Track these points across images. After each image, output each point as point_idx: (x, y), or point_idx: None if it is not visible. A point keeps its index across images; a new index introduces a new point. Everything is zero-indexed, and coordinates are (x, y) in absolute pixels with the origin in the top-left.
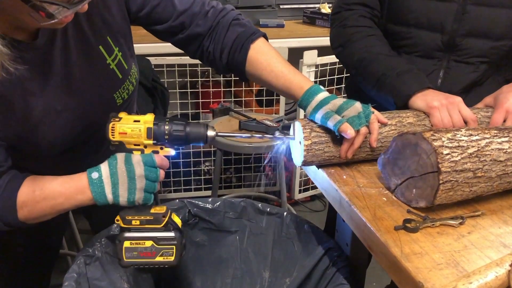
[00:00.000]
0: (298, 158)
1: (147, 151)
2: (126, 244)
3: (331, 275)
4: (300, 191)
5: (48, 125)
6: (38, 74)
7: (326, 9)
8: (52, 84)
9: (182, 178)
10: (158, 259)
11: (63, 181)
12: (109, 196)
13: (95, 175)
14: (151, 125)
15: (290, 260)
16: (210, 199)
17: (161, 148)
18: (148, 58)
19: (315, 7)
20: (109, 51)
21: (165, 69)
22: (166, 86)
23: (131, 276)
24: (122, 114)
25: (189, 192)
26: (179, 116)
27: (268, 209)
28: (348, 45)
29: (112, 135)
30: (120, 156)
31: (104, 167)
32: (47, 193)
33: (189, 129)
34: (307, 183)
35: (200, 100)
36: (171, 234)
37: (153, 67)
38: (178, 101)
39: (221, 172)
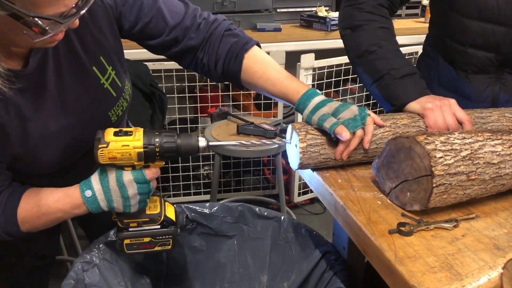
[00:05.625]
0: (294, 161)
1: (138, 166)
2: (126, 241)
3: (328, 278)
4: (299, 194)
5: (45, 147)
6: (33, 99)
7: (323, 12)
8: (46, 107)
9: (181, 183)
10: (157, 248)
11: (58, 197)
12: (105, 209)
13: (88, 193)
14: (141, 150)
15: (288, 264)
16: (207, 204)
17: (153, 162)
18: (146, 63)
19: (312, 11)
20: (103, 71)
21: (163, 74)
22: (164, 91)
23: (129, 282)
24: (109, 135)
25: (188, 197)
26: (177, 120)
27: (266, 213)
28: (358, 31)
29: (101, 159)
30: (112, 175)
31: (96, 184)
32: (45, 210)
33: (179, 142)
34: (306, 186)
35: (199, 105)
36: (167, 229)
37: (151, 72)
38: (177, 106)
39: (220, 176)
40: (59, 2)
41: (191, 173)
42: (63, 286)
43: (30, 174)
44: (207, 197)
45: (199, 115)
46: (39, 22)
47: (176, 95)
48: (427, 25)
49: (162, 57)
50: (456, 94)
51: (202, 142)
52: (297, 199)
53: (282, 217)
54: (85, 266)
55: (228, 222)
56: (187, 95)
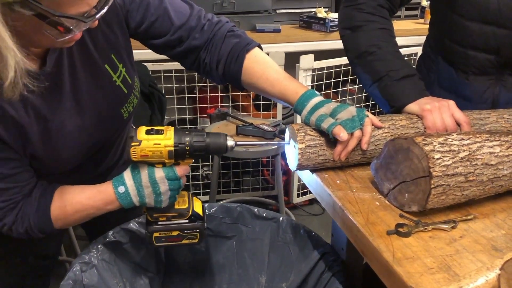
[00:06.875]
0: (293, 162)
1: (168, 163)
2: (155, 234)
3: (327, 279)
4: (298, 195)
5: (63, 146)
6: (50, 99)
7: (322, 13)
8: (63, 107)
9: None
10: (184, 241)
11: (91, 194)
12: (137, 204)
13: (121, 189)
14: (172, 148)
15: (286, 265)
16: (206, 205)
17: (182, 160)
18: (145, 64)
19: (311, 12)
20: (114, 69)
21: (162, 74)
22: (163, 91)
23: (127, 283)
24: (141, 134)
25: None
26: (176, 121)
27: (264, 214)
28: (358, 31)
29: (134, 156)
30: (144, 172)
31: (129, 181)
32: (78, 207)
33: (209, 141)
34: (305, 187)
35: (198, 105)
36: (195, 224)
37: (150, 72)
38: (176, 106)
39: (219, 176)
40: (82, 2)
41: (190, 173)
42: (62, 286)
43: (45, 172)
44: (206, 197)
45: (198, 115)
46: (64, 22)
47: (175, 96)
48: (427, 26)
49: (162, 57)
50: (456, 95)
51: (230, 142)
52: (296, 200)
53: (281, 218)
54: (84, 267)
55: (227, 223)
56: (186, 95)
